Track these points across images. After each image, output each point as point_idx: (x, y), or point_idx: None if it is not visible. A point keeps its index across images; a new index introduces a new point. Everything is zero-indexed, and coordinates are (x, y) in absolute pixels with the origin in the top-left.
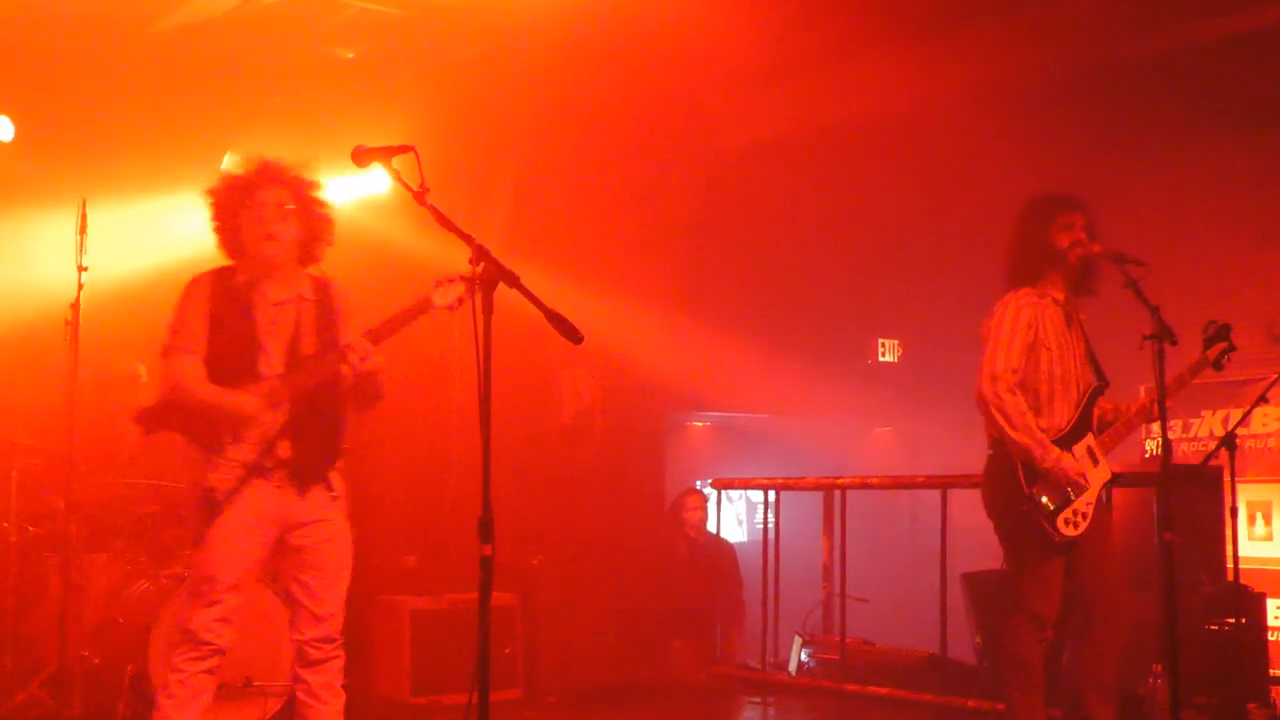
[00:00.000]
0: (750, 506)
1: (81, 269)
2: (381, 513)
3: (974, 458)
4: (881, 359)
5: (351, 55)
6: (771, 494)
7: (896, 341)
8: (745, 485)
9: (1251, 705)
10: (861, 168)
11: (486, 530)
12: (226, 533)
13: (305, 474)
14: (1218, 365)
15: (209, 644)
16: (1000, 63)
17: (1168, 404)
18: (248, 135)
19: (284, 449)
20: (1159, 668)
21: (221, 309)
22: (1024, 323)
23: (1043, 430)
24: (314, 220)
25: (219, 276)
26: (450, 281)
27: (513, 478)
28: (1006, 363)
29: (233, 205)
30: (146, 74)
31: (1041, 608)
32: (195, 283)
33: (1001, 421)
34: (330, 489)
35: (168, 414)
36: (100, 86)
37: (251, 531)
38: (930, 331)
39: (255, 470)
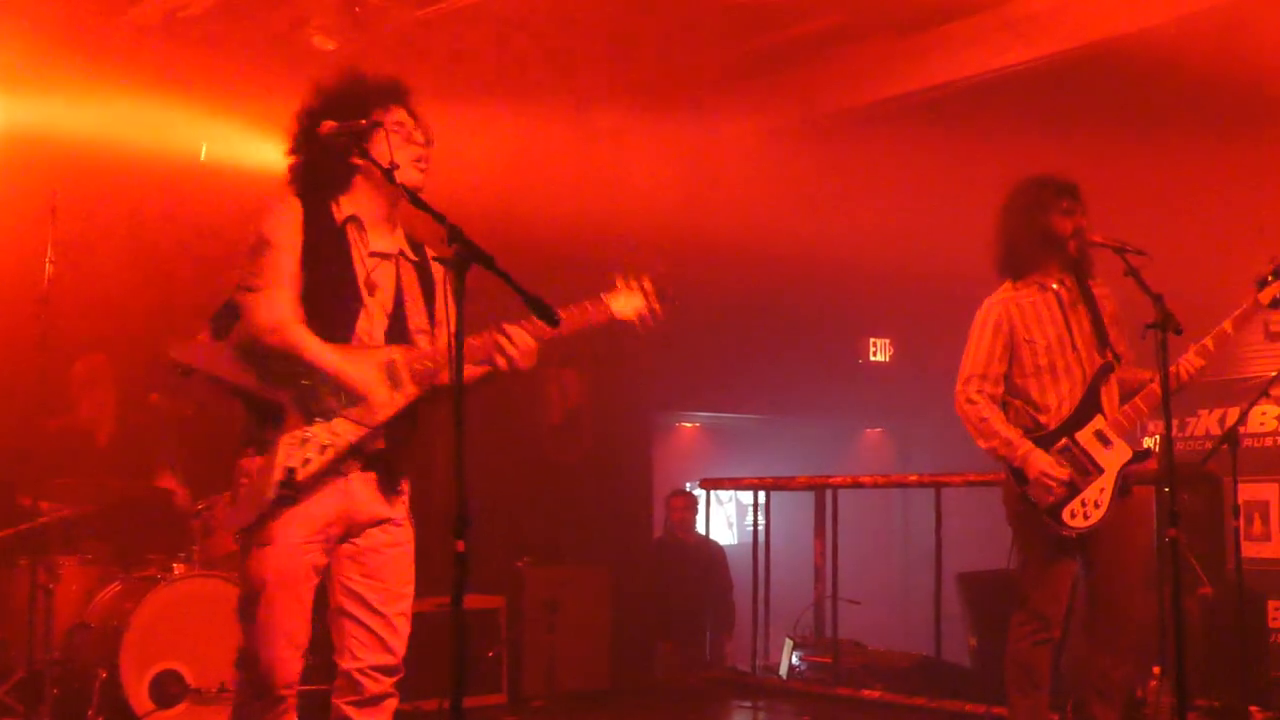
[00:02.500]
0: (741, 509)
1: (50, 262)
2: None
3: (966, 458)
4: (873, 358)
5: (333, 46)
6: (761, 494)
7: (888, 341)
8: (734, 485)
9: (1254, 708)
10: (852, 163)
11: (461, 526)
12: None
13: (394, 470)
14: (1277, 304)
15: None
16: (988, 54)
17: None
18: (226, 127)
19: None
20: (1159, 670)
21: (318, 245)
22: (992, 326)
23: (1042, 424)
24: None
25: (314, 203)
26: (630, 288)
27: (499, 478)
28: (970, 370)
29: (361, 113)
30: (123, 62)
31: (1045, 607)
32: (285, 203)
33: (973, 432)
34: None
35: (242, 362)
36: (76, 73)
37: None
38: (922, 331)
39: (349, 456)
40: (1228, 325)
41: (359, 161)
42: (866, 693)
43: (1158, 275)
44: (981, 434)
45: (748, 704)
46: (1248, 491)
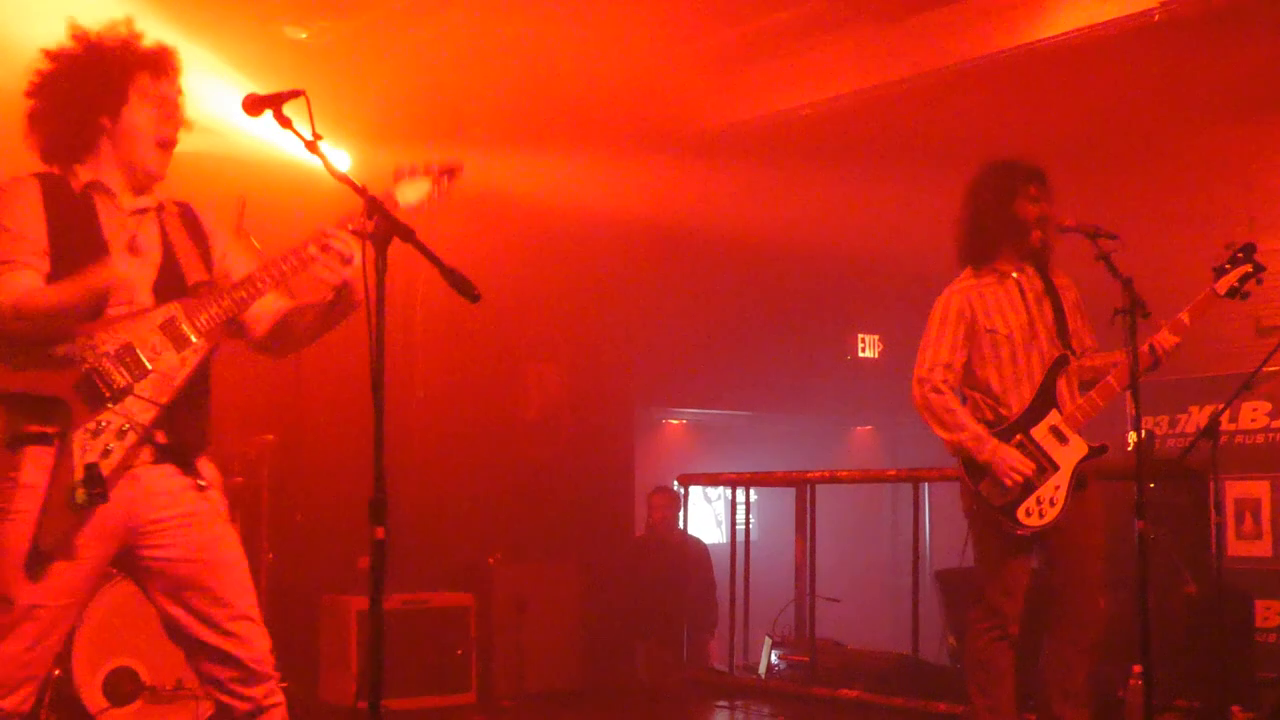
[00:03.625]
0: (730, 508)
1: None
2: (330, 513)
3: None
4: (862, 355)
5: (304, 35)
6: (741, 491)
7: (877, 337)
8: (712, 481)
9: (1235, 708)
10: (840, 157)
11: (378, 512)
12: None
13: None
14: (1243, 294)
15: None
16: (977, 44)
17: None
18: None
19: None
20: (1139, 669)
21: (61, 218)
22: (954, 313)
23: (1003, 417)
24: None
25: (50, 180)
26: (414, 174)
27: (473, 473)
28: (934, 358)
29: (108, 84)
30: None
31: (1001, 603)
32: (19, 183)
33: (933, 424)
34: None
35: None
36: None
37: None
38: (912, 326)
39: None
40: (1184, 316)
41: (106, 122)
42: (844, 692)
43: (1128, 260)
44: (946, 425)
45: (724, 704)
46: (1238, 489)
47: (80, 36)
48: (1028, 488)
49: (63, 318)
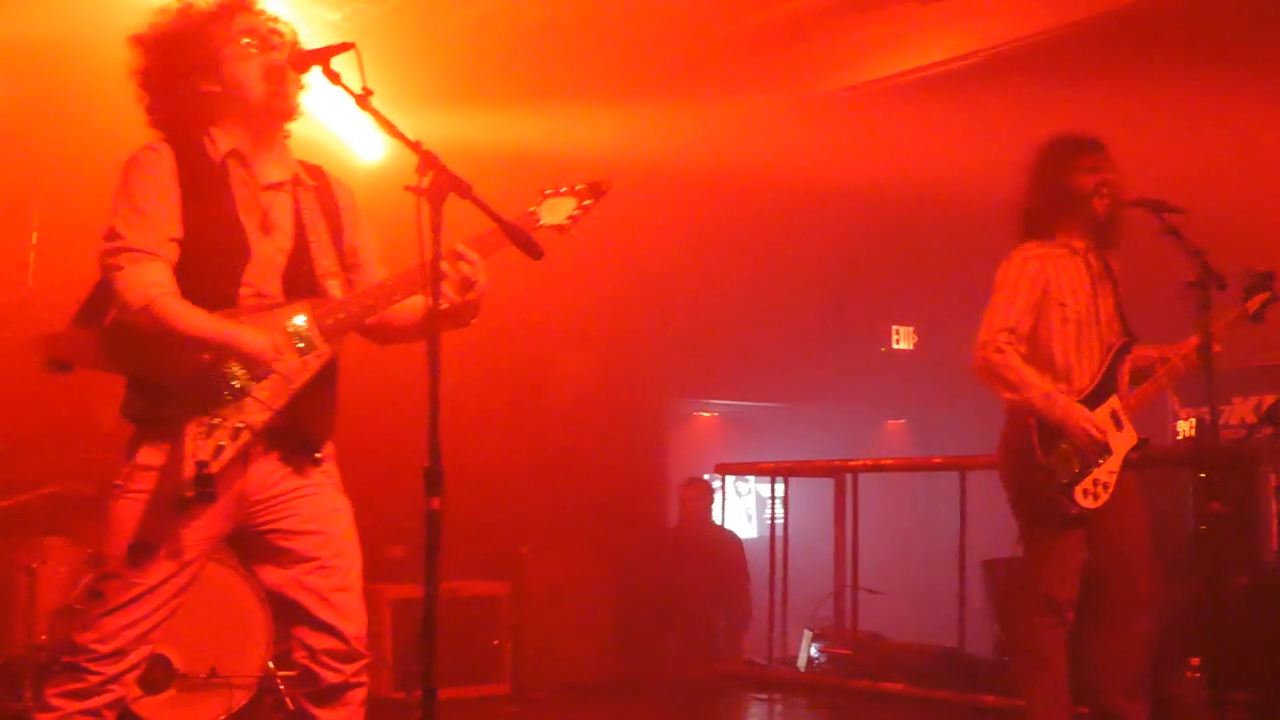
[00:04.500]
0: (761, 502)
1: (34, 246)
2: (365, 502)
3: (990, 449)
4: (895, 346)
5: (338, 16)
6: (780, 483)
7: (911, 328)
8: (751, 470)
9: None
10: (876, 146)
11: (434, 481)
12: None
13: (308, 443)
14: (1258, 318)
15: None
16: (1010, 24)
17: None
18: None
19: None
20: (1196, 662)
21: (196, 193)
22: (1028, 278)
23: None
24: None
25: (186, 148)
26: (559, 194)
27: (507, 462)
28: (1003, 322)
29: (193, 51)
30: (117, 36)
31: (1056, 589)
32: (153, 151)
33: (997, 385)
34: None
35: (116, 346)
36: (67, 47)
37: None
38: (946, 318)
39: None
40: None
41: (213, 88)
42: (887, 685)
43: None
44: (1011, 385)
45: (763, 696)
46: None
47: (152, 18)
48: (1086, 467)
49: (183, 343)
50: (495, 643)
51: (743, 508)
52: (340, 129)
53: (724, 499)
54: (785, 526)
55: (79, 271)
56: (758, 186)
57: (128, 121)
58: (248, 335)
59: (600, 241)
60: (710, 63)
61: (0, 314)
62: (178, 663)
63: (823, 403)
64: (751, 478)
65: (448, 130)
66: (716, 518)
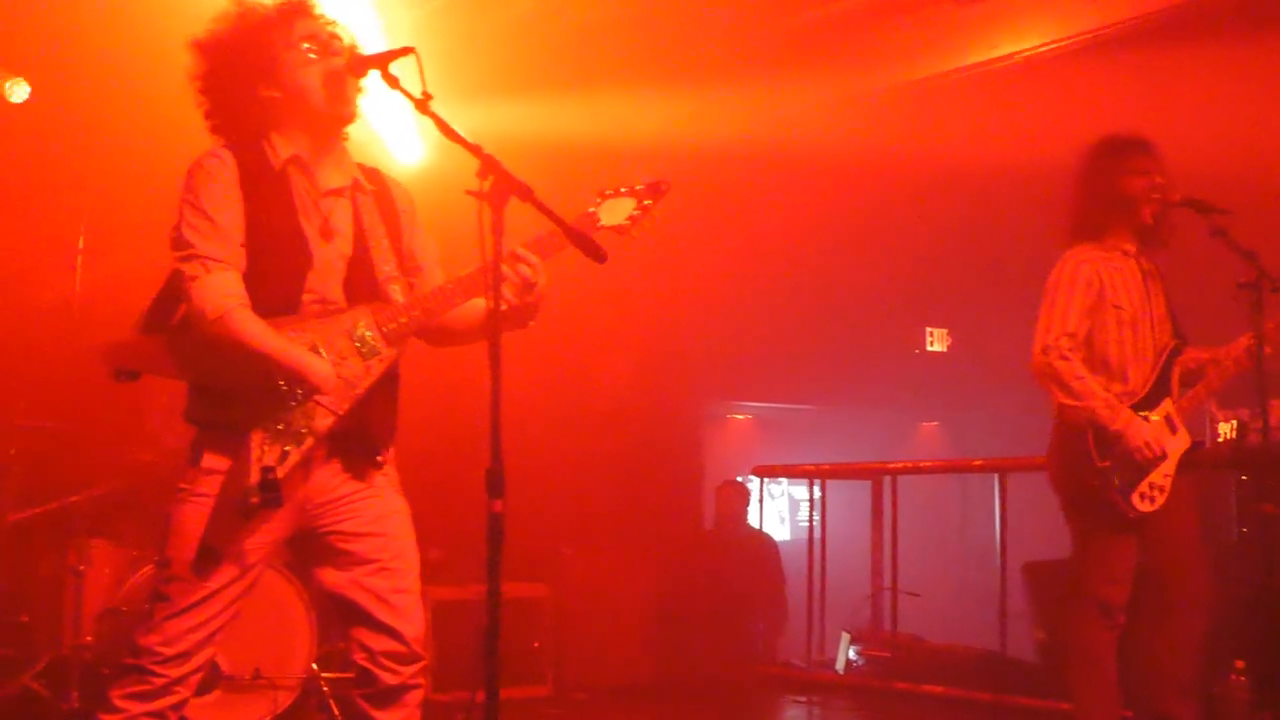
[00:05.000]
0: (793, 504)
1: (80, 250)
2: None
3: (1025, 451)
4: (930, 349)
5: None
6: (817, 486)
7: (946, 330)
8: (789, 473)
9: None
10: (911, 150)
11: (496, 484)
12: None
13: (369, 447)
14: None
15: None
16: (1053, 26)
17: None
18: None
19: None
20: (1241, 664)
21: (257, 199)
22: (1083, 281)
23: (1117, 395)
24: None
25: (247, 155)
26: (618, 194)
27: (544, 464)
28: (1062, 327)
29: (253, 57)
30: (159, 36)
31: (1108, 592)
32: (215, 158)
33: (1059, 392)
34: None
35: (183, 353)
36: (112, 49)
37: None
38: (981, 320)
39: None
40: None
41: (274, 94)
42: (928, 687)
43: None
44: (1075, 393)
45: (802, 699)
46: None
47: (212, 24)
48: (1143, 471)
49: (250, 358)
50: (536, 644)
51: (776, 510)
52: (382, 131)
53: (762, 502)
54: (824, 529)
55: (125, 275)
56: (792, 191)
57: (173, 126)
58: (313, 364)
59: (637, 244)
60: (750, 59)
61: (48, 317)
62: (223, 664)
63: (857, 405)
64: (785, 480)
65: (501, 123)
66: (753, 520)
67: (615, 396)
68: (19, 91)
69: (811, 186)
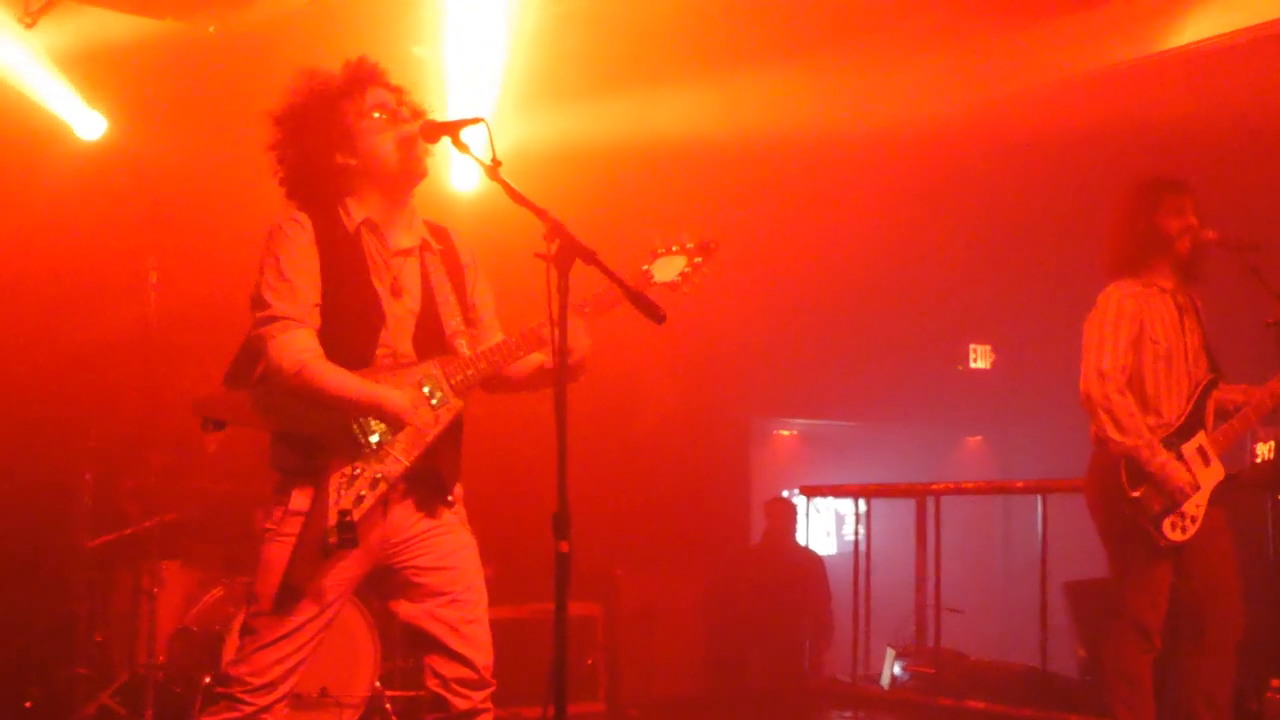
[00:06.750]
0: (838, 519)
1: (153, 284)
2: None
3: (1069, 467)
4: (973, 365)
5: (421, 51)
6: (862, 502)
7: (989, 346)
8: (835, 492)
9: None
10: (953, 166)
11: (562, 526)
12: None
13: (440, 486)
14: None
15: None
16: (1095, 52)
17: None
18: None
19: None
20: (1277, 683)
21: (333, 261)
22: (1127, 315)
23: (1151, 429)
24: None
25: (324, 219)
26: (669, 253)
27: (594, 484)
28: (1114, 360)
29: (326, 127)
30: (222, 72)
31: (1146, 616)
32: (293, 222)
33: (1109, 424)
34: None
35: (266, 405)
36: (180, 88)
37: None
38: (1024, 336)
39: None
40: None
41: (349, 161)
42: (971, 703)
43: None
44: (1124, 429)
45: (847, 713)
46: None
47: (286, 96)
48: (1175, 503)
49: (331, 403)
50: (589, 662)
51: (821, 524)
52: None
53: (808, 520)
54: (869, 546)
55: (193, 309)
56: (837, 209)
57: (240, 172)
58: (391, 395)
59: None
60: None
61: (119, 351)
62: None
63: (900, 421)
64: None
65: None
66: (799, 537)
67: (662, 415)
68: (95, 127)
69: (856, 205)
